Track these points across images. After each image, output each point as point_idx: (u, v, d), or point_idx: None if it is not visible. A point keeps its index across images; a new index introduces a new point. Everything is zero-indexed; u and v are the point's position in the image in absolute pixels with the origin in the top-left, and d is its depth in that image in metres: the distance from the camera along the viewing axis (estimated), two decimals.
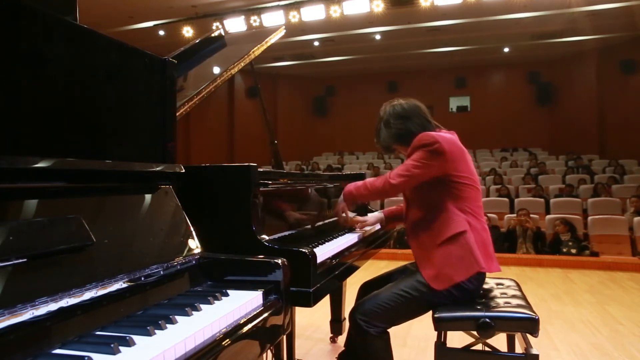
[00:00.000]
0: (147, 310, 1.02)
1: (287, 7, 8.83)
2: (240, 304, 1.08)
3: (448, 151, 1.76)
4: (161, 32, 10.21)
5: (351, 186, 1.97)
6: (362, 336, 1.77)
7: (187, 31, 9.65)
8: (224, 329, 0.98)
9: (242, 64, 2.28)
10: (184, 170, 1.38)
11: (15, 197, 0.91)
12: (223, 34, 2.77)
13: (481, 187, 2.04)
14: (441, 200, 1.81)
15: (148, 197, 1.26)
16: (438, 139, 1.76)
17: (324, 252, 1.59)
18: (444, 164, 1.77)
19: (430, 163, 1.76)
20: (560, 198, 7.90)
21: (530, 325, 1.67)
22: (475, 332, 1.70)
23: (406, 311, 1.80)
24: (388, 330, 1.80)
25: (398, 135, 1.92)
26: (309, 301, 1.41)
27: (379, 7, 8.48)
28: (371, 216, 2.24)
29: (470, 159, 1.89)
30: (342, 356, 2.14)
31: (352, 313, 1.82)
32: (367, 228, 2.22)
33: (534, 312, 1.70)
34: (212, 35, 2.61)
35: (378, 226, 2.34)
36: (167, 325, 0.91)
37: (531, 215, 6.61)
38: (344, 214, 2.05)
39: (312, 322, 3.44)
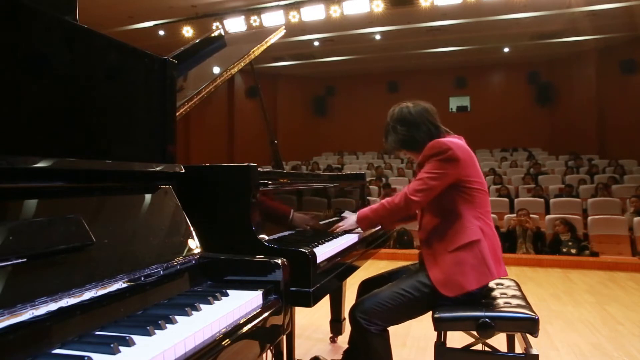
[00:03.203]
0: (147, 310, 1.02)
1: (287, 7, 8.83)
2: (240, 304, 1.08)
3: (461, 157, 1.76)
4: (161, 32, 10.20)
5: (366, 211, 1.91)
6: (362, 334, 1.77)
7: (187, 31, 9.65)
8: (224, 329, 0.98)
9: (242, 64, 2.28)
10: (184, 170, 1.38)
11: (15, 197, 0.91)
12: (223, 33, 2.77)
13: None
14: (455, 207, 1.80)
15: (148, 197, 1.26)
16: (450, 146, 1.76)
17: (323, 252, 1.59)
18: (458, 171, 1.77)
19: (445, 172, 1.75)
20: (560, 198, 7.90)
21: (530, 325, 1.67)
22: (475, 332, 1.70)
23: (406, 310, 1.80)
24: (388, 329, 1.81)
25: (403, 142, 1.92)
26: (309, 301, 1.41)
27: (379, 7, 8.48)
28: None
29: (477, 162, 1.88)
30: (347, 354, 2.13)
31: (352, 311, 1.82)
32: None
33: (533, 312, 1.70)
34: (212, 35, 2.60)
35: (378, 226, 2.33)
36: (167, 325, 0.91)
37: (531, 215, 6.61)
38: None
39: (312, 322, 3.44)
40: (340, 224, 2.03)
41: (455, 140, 1.83)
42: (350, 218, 1.99)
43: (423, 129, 1.87)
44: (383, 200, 1.89)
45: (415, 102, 1.94)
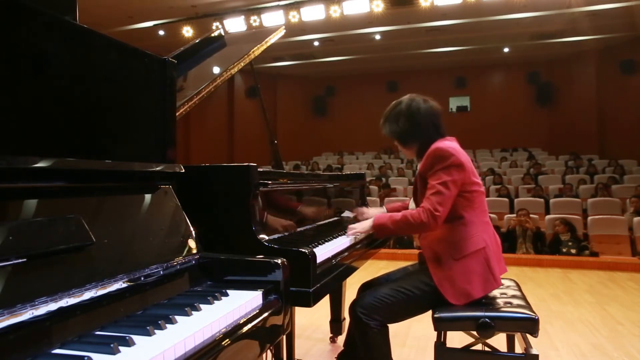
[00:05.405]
0: (147, 310, 1.02)
1: (287, 7, 8.83)
2: (239, 304, 1.08)
3: (464, 161, 1.78)
4: (161, 32, 10.20)
5: (385, 219, 1.84)
6: (361, 329, 1.78)
7: (187, 31, 9.65)
8: (224, 329, 0.98)
9: (242, 64, 2.28)
10: (183, 170, 1.38)
11: (15, 197, 0.91)
12: (223, 33, 2.77)
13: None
14: (458, 211, 1.79)
15: (148, 197, 1.26)
16: (452, 152, 1.77)
17: (323, 252, 1.59)
18: (463, 175, 1.78)
19: (455, 179, 1.75)
20: (560, 198, 7.90)
21: (530, 326, 1.67)
22: (475, 332, 1.70)
23: (406, 308, 1.81)
24: (387, 326, 1.81)
25: (399, 134, 1.94)
26: (309, 301, 1.41)
27: (379, 7, 8.48)
28: (373, 213, 2.19)
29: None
30: (342, 356, 2.14)
31: (353, 305, 1.83)
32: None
33: (533, 312, 1.70)
34: (212, 35, 2.60)
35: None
36: (167, 325, 0.91)
37: (531, 215, 6.61)
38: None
39: (312, 322, 3.44)
40: (354, 225, 1.96)
41: (454, 145, 1.84)
42: (366, 222, 1.93)
43: (423, 131, 1.88)
44: (406, 213, 1.79)
45: (425, 99, 1.93)
